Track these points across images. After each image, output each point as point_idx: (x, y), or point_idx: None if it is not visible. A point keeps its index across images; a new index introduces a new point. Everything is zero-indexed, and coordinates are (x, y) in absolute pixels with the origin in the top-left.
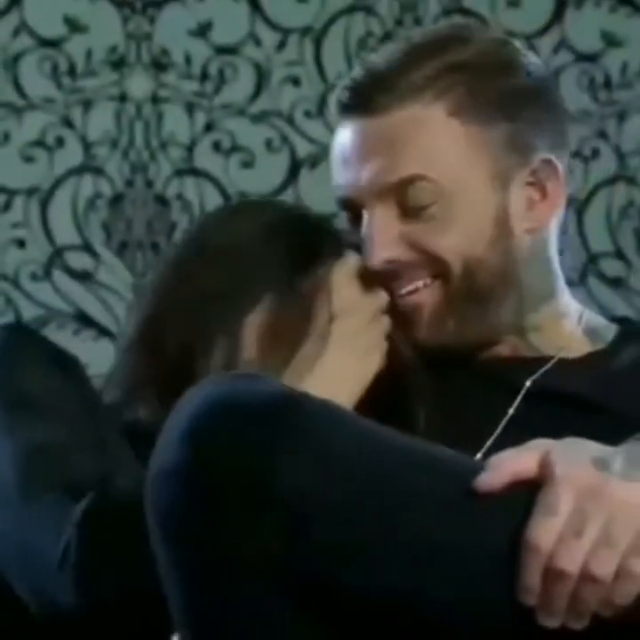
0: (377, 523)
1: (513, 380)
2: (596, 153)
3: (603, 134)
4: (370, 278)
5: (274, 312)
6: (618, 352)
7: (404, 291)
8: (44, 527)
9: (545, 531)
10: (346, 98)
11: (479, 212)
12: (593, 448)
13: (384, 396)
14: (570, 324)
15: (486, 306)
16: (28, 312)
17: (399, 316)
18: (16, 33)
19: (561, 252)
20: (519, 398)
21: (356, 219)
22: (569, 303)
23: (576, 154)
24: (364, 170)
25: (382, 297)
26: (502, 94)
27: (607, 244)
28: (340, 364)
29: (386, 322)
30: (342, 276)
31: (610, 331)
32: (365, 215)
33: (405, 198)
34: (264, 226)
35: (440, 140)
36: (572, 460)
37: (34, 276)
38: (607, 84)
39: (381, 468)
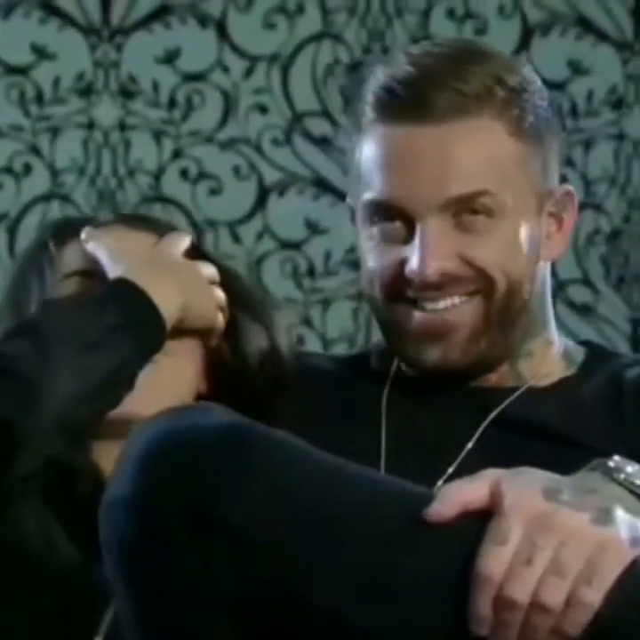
0: (326, 554)
1: (482, 408)
2: (563, 180)
3: (569, 162)
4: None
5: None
6: (587, 377)
7: (441, 305)
8: None
9: (495, 560)
10: (401, 92)
11: (522, 234)
12: (543, 477)
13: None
14: (555, 350)
15: (510, 330)
16: None
17: (419, 331)
18: None
19: None
20: (481, 428)
21: (391, 222)
22: (554, 330)
23: None
24: (424, 178)
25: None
26: (539, 121)
27: (575, 272)
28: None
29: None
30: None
31: (579, 354)
32: (419, 225)
33: (466, 212)
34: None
35: (502, 157)
36: (522, 489)
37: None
38: (573, 111)
39: (331, 498)
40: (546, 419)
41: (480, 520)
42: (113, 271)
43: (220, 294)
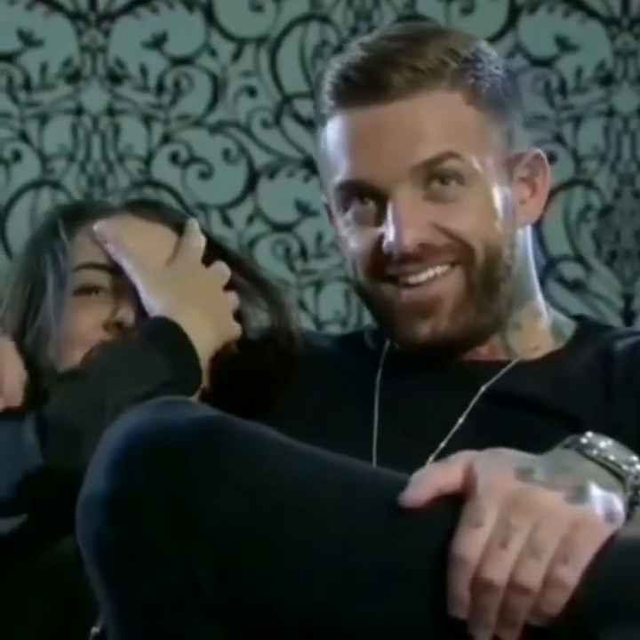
0: (304, 546)
1: (472, 383)
2: (552, 158)
3: (559, 139)
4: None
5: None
6: (576, 350)
7: (423, 277)
8: None
9: (471, 543)
10: (358, 80)
11: (494, 199)
12: (516, 457)
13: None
14: (543, 322)
15: (495, 297)
16: None
17: (406, 308)
18: None
19: None
20: (473, 403)
21: (364, 203)
22: (542, 302)
23: None
24: (389, 152)
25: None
26: (496, 88)
27: (566, 248)
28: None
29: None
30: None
31: (569, 328)
32: (390, 200)
33: (434, 177)
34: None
35: (463, 123)
36: (495, 470)
37: None
38: (562, 88)
39: (308, 491)
40: (535, 392)
41: (455, 503)
42: (138, 279)
43: (234, 300)
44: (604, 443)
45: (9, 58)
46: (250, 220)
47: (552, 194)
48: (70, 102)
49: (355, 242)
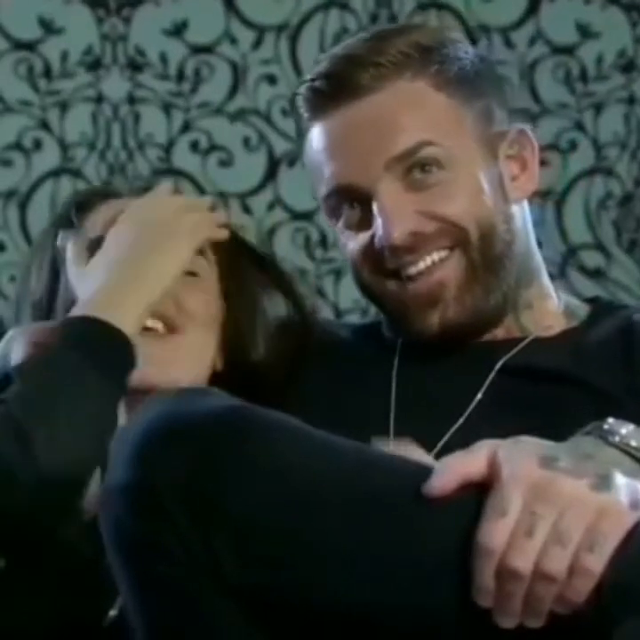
0: (326, 533)
1: (488, 359)
2: (573, 145)
3: (580, 126)
4: None
5: None
6: (593, 327)
7: (422, 266)
8: None
9: (496, 532)
10: (325, 87)
11: (480, 177)
12: (540, 445)
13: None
14: (554, 303)
15: (500, 274)
16: (8, 314)
17: (412, 300)
18: None
19: (540, 245)
20: (490, 378)
21: (352, 207)
22: (549, 283)
23: (554, 146)
24: (364, 149)
25: None
26: (465, 70)
27: (586, 236)
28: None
29: None
30: None
31: (583, 310)
32: (374, 199)
33: (413, 167)
34: None
35: (433, 110)
36: (520, 458)
37: (13, 279)
38: (583, 75)
39: (330, 478)
40: (553, 364)
41: (479, 492)
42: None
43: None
44: (625, 429)
45: (29, 46)
46: (270, 207)
47: (573, 182)
48: (90, 90)
49: (351, 245)
